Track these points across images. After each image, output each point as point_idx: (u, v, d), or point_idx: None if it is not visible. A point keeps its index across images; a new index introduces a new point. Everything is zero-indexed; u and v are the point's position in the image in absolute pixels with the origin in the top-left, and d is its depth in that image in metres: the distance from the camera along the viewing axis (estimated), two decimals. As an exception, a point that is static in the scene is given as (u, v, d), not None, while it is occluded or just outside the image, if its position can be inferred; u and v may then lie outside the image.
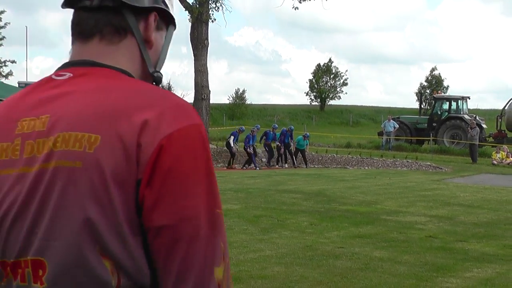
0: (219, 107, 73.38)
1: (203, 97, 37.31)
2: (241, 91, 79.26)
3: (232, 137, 31.25)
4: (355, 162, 33.15)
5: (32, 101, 1.64)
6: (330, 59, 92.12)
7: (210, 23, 37.54)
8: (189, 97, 63.13)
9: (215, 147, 36.52)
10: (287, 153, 32.75)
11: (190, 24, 37.38)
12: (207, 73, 37.70)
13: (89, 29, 1.71)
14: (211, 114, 42.81)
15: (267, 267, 9.14)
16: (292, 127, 34.63)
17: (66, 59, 1.74)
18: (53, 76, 1.68)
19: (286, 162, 32.47)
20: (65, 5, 1.77)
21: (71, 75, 1.66)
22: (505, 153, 34.64)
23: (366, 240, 11.66)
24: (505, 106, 41.72)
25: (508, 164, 33.54)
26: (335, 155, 35.43)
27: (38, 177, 1.54)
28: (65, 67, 1.71)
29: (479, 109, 76.13)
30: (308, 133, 34.78)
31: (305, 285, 8.25)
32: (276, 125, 35.05)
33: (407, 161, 32.75)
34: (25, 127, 1.60)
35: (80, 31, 1.73)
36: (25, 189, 1.55)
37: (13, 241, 1.56)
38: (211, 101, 39.51)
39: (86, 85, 1.62)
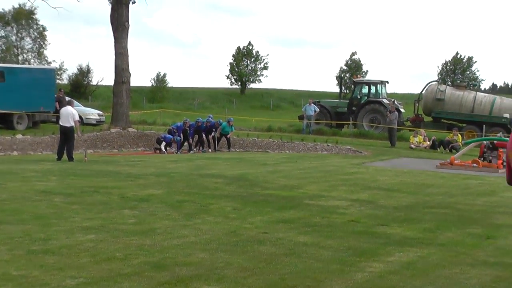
0: (140, 90, 72.73)
1: (123, 80, 36.90)
2: (162, 74, 78.68)
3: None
4: (276, 146, 33.30)
5: None
6: (249, 42, 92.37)
7: (130, 5, 37.06)
8: (109, 80, 62.34)
9: (135, 131, 36.16)
10: (210, 138, 32.85)
11: (110, 6, 36.82)
12: (128, 56, 37.25)
13: None
14: (131, 97, 42.32)
15: (192, 254, 9.05)
16: (221, 121, 34.35)
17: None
18: None
19: (209, 147, 32.51)
20: None
21: None
22: (422, 137, 35.37)
23: (290, 225, 11.68)
24: (422, 91, 42.59)
25: (425, 147, 34.25)
26: (256, 139, 35.47)
27: None
28: None
29: (397, 93, 77.54)
30: (232, 118, 34.75)
31: (231, 271, 8.20)
32: (211, 118, 34.66)
33: (328, 145, 33.04)
34: None
35: None
36: None
37: None
38: (131, 84, 39.10)
39: None
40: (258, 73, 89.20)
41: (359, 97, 42.92)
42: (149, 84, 78.53)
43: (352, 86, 48.12)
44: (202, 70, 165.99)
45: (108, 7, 37.11)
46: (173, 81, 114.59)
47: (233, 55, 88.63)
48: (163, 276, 7.86)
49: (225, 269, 8.32)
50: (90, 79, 72.06)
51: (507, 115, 38.31)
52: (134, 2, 37.38)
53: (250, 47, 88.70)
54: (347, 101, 44.14)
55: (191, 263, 8.53)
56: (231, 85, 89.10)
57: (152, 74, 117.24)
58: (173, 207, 13.00)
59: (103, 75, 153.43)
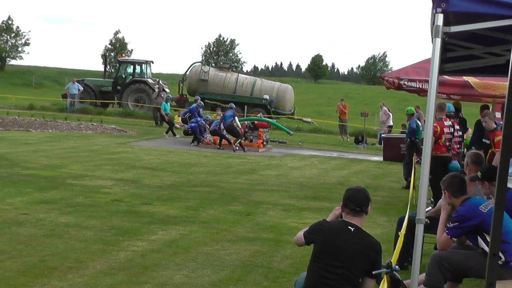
0: None
1: None
2: None
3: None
4: (38, 125, 32.20)
5: None
6: (9, 17, 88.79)
7: None
8: None
9: None
10: None
11: None
12: None
13: None
14: None
15: None
16: None
17: None
18: None
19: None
20: None
21: None
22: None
23: (51, 205, 11.39)
24: (186, 71, 43.11)
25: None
26: (17, 117, 34.06)
27: None
28: None
29: (162, 74, 78.02)
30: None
31: (-13, 255, 7.86)
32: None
33: (92, 124, 32.51)
34: None
35: None
36: None
37: None
38: None
39: None
40: (19, 49, 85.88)
41: (124, 76, 42.62)
42: None
43: (117, 65, 47.64)
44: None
45: None
46: None
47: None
48: None
49: (-19, 253, 7.95)
50: None
51: (266, 97, 39.82)
52: None
53: (10, 22, 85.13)
54: (112, 80, 43.67)
55: None
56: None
57: None
58: None
59: None
